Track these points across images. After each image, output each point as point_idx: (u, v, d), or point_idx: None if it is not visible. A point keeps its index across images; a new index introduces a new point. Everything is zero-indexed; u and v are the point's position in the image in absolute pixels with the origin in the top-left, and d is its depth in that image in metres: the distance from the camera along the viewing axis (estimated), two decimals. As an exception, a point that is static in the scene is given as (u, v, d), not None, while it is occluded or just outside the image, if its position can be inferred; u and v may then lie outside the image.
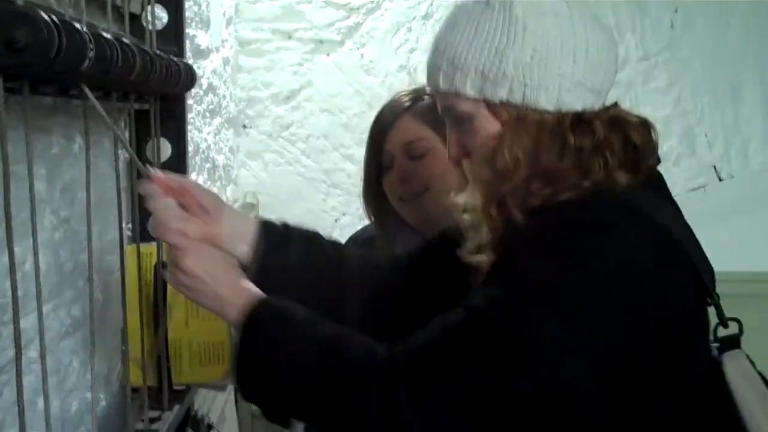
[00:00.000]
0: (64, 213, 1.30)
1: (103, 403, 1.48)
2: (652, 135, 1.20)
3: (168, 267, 1.23)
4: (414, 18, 2.99)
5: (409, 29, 2.99)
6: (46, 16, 0.85)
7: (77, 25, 0.94)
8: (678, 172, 3.08)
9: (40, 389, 1.22)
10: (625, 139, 1.15)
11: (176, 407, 1.55)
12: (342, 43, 2.98)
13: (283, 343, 1.14)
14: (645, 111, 3.03)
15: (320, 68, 2.98)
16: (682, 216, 1.20)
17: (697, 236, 3.12)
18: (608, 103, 1.18)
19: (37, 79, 0.96)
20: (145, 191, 1.23)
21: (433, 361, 1.07)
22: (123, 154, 1.49)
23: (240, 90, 2.95)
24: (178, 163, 1.66)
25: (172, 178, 1.26)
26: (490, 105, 1.14)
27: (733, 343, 1.22)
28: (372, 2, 2.98)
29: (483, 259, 1.19)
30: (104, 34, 1.04)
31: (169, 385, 1.51)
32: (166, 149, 1.65)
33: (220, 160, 2.59)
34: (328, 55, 2.98)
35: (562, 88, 1.10)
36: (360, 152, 3.04)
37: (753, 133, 3.09)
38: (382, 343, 1.11)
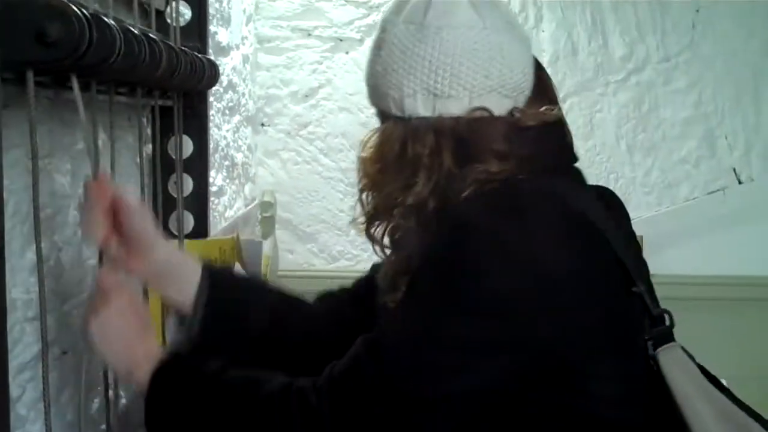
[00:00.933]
0: (88, 209, 1.29)
1: (124, 401, 1.47)
2: (556, 133, 1.19)
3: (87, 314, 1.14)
4: (434, 17, 2.97)
5: (429, 28, 2.97)
6: (77, 10, 0.84)
7: (107, 20, 0.94)
8: (698, 175, 3.05)
9: (63, 386, 1.22)
10: (492, 144, 1.12)
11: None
12: (361, 41, 2.96)
13: (192, 396, 1.11)
14: (665, 113, 3.04)
15: (339, 66, 2.96)
16: (600, 203, 1.18)
17: (716, 239, 3.07)
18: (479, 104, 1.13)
19: (67, 73, 0.95)
20: (85, 195, 1.14)
21: (355, 383, 1.05)
22: (146, 151, 1.48)
23: (259, 88, 2.94)
24: (200, 160, 1.66)
25: (113, 189, 1.15)
26: (378, 113, 1.22)
27: (666, 336, 1.16)
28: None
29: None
30: (132, 29, 1.03)
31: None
32: (187, 146, 1.65)
33: (239, 158, 2.58)
34: (347, 53, 2.96)
35: (403, 95, 1.13)
36: (378, 151, 3.05)
37: (774, 135, 3.06)
38: (302, 377, 1.09)
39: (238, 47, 2.53)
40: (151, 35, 1.13)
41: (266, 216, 2.86)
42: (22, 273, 1.09)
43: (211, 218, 1.82)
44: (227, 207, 2.38)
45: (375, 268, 1.37)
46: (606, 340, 1.08)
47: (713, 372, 1.18)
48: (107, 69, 0.95)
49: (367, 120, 2.97)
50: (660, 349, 1.14)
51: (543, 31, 2.98)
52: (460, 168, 1.11)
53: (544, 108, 1.17)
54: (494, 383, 1.05)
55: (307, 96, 2.98)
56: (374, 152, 1.19)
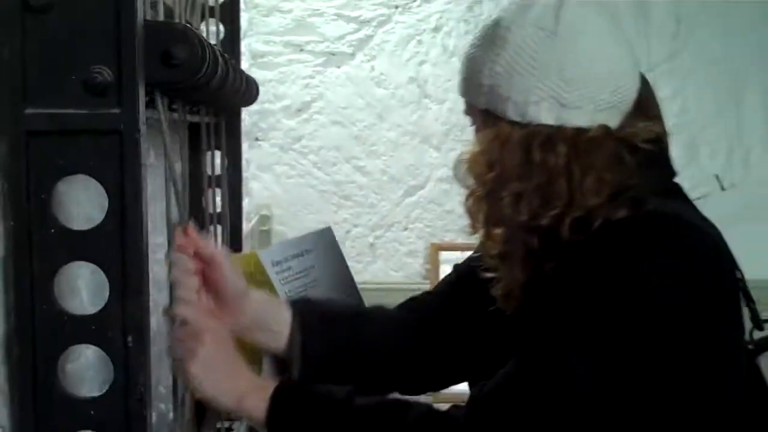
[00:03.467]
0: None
1: (176, 414, 1.48)
2: (660, 150, 1.18)
3: (178, 354, 1.10)
4: (424, 30, 3.02)
5: (420, 42, 3.02)
6: (196, 32, 0.86)
7: (206, 41, 0.96)
8: (680, 181, 3.10)
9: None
10: (613, 160, 1.10)
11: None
12: (353, 55, 3.00)
13: (323, 419, 1.09)
14: (650, 121, 3.07)
15: (331, 81, 3.00)
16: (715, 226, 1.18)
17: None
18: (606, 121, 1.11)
19: (186, 94, 0.96)
20: (175, 257, 1.10)
21: (510, 401, 1.05)
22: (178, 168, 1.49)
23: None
24: (234, 175, 1.67)
25: (204, 245, 1.12)
26: (483, 113, 1.15)
27: (766, 344, 1.18)
28: (383, 15, 3.00)
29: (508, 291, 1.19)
30: (218, 50, 1.05)
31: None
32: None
33: (238, 172, 2.58)
34: (339, 67, 3.00)
35: (528, 101, 1.09)
36: (371, 164, 3.09)
37: (755, 142, 3.12)
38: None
39: (237, 63, 2.54)
40: (224, 55, 1.15)
41: (263, 229, 2.88)
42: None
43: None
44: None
45: (457, 268, 1.39)
46: (734, 361, 1.10)
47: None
48: (207, 89, 0.97)
49: (359, 133, 3.02)
50: (761, 356, 1.17)
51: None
52: (580, 185, 1.08)
53: (646, 124, 1.15)
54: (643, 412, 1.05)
55: (299, 110, 3.01)
56: (489, 157, 1.13)
